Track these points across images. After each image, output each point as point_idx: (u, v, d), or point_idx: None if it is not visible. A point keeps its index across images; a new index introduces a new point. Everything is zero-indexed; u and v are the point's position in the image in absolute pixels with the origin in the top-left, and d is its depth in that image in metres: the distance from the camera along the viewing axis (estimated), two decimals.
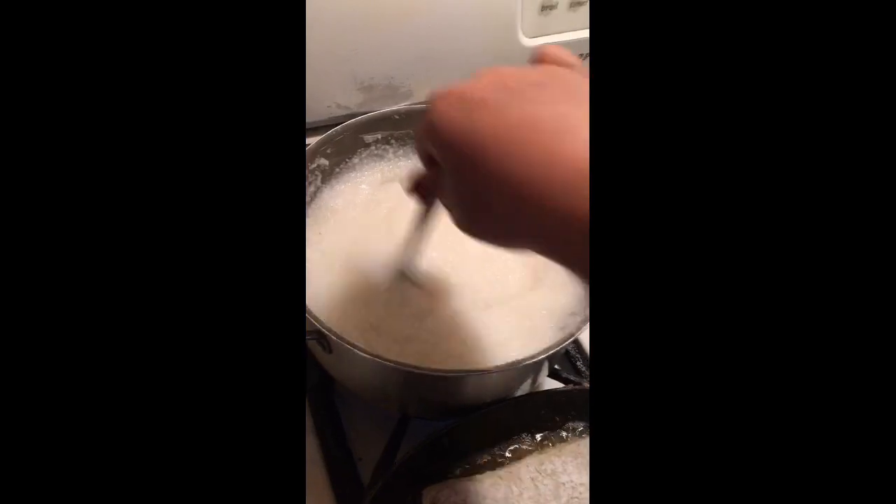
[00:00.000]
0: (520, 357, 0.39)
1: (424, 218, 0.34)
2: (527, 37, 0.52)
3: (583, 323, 0.39)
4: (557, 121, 0.21)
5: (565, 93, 0.22)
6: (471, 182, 0.23)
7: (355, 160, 0.50)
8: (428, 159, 0.26)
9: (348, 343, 0.36)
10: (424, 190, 0.30)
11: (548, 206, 0.20)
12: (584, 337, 0.52)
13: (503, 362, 0.38)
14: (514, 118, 0.21)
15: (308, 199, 0.48)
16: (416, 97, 0.51)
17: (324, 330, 0.37)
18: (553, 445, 0.43)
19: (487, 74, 0.23)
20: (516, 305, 0.45)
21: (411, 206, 0.47)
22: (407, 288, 0.44)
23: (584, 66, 0.25)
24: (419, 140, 0.25)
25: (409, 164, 0.51)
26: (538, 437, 0.43)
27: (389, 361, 0.36)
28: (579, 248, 0.20)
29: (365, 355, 0.36)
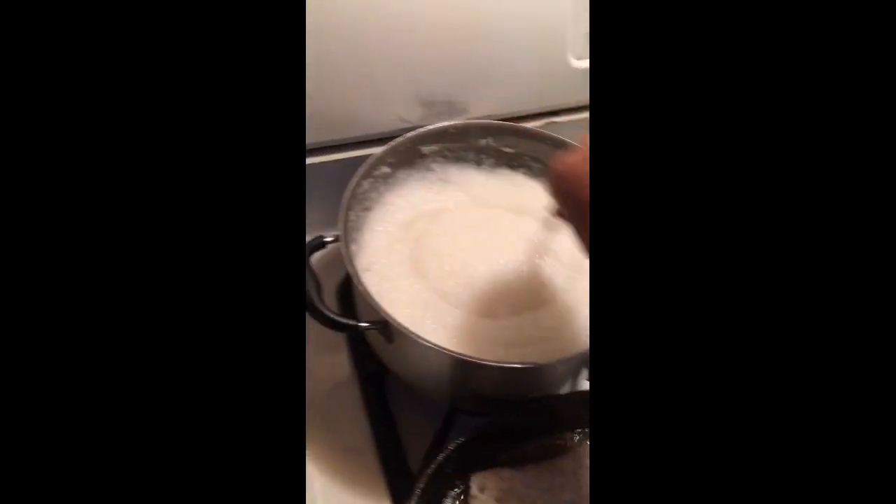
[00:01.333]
0: (568, 355, 0.42)
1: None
2: (575, 59, 0.56)
3: None
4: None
5: None
6: (579, 214, 0.32)
7: (413, 169, 0.54)
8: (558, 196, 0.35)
9: (411, 333, 0.40)
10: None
11: None
12: None
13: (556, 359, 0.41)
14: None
15: (373, 202, 0.52)
16: (472, 113, 0.55)
17: (389, 319, 0.40)
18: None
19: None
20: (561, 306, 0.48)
21: (468, 210, 0.50)
22: (460, 287, 0.47)
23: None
24: (553, 185, 0.35)
25: (460, 173, 0.55)
26: (578, 433, 0.45)
27: (449, 351, 0.39)
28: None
29: (428, 344, 0.39)
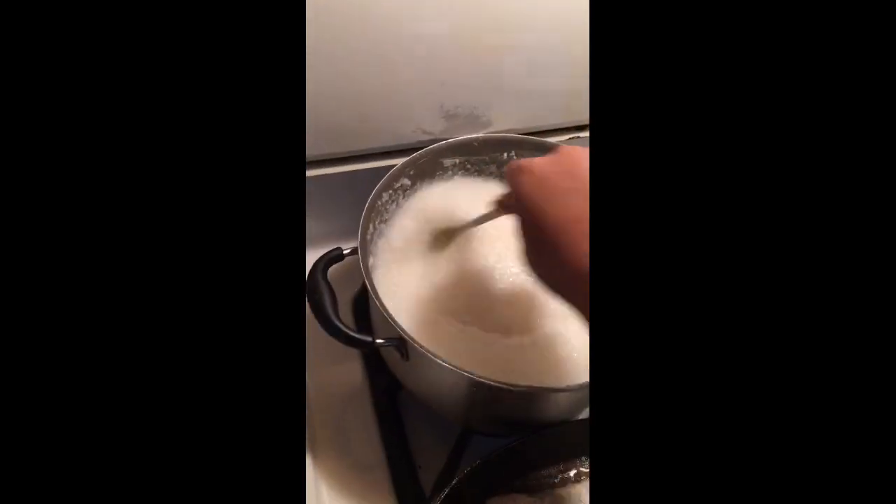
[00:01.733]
0: (585, 380, 0.40)
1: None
2: None
3: None
4: (583, 220, 0.29)
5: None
6: (533, 235, 0.32)
7: (434, 182, 0.53)
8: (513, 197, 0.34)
9: (428, 352, 0.39)
10: (504, 206, 0.40)
11: (562, 261, 0.29)
12: None
13: (572, 383, 0.40)
14: (562, 208, 0.30)
15: (391, 214, 0.51)
16: (495, 126, 0.54)
17: (405, 336, 0.39)
18: None
19: (558, 156, 0.32)
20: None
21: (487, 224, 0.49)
22: (490, 300, 0.46)
23: None
24: (509, 183, 0.34)
25: (482, 186, 0.54)
26: None
27: (466, 372, 0.38)
28: (580, 298, 0.28)
29: (443, 363, 0.38)
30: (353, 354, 0.53)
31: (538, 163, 0.32)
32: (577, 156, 0.32)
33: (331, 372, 0.53)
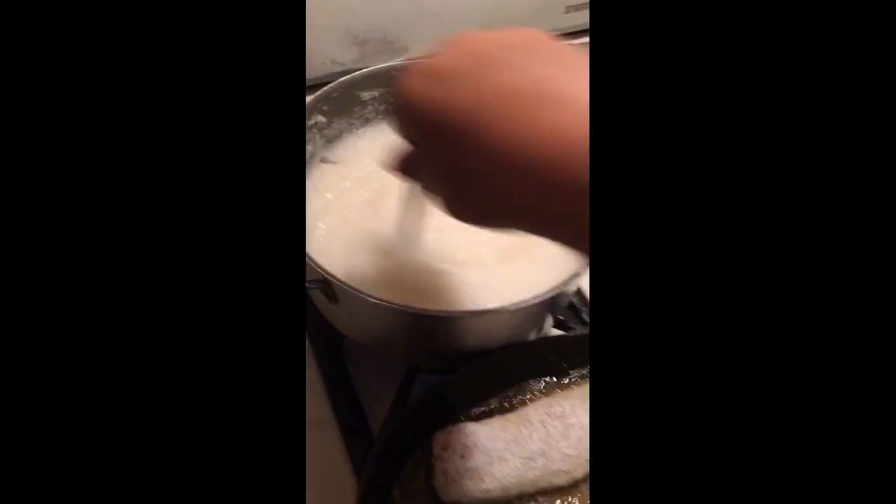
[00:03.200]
0: (530, 299, 0.39)
1: (416, 196, 0.32)
2: None
3: (583, 268, 0.39)
4: (538, 87, 0.19)
5: (544, 54, 0.20)
6: (451, 160, 0.21)
7: (353, 119, 0.50)
8: (409, 139, 0.24)
9: (352, 288, 0.36)
10: (407, 167, 0.27)
11: (532, 183, 0.19)
12: (587, 287, 0.52)
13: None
14: (491, 88, 0.20)
15: (308, 156, 0.48)
16: (412, 52, 0.51)
17: (328, 277, 0.37)
18: (561, 390, 0.43)
19: (459, 42, 0.21)
20: (519, 262, 0.45)
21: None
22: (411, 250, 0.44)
23: None
24: (396, 120, 0.23)
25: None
26: (545, 381, 0.43)
27: (395, 304, 0.36)
28: (572, 226, 0.19)
29: (370, 299, 0.36)
30: None
31: (432, 58, 0.22)
32: (478, 35, 0.22)
33: None
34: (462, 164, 0.21)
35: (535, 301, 0.38)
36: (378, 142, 0.50)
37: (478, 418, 0.40)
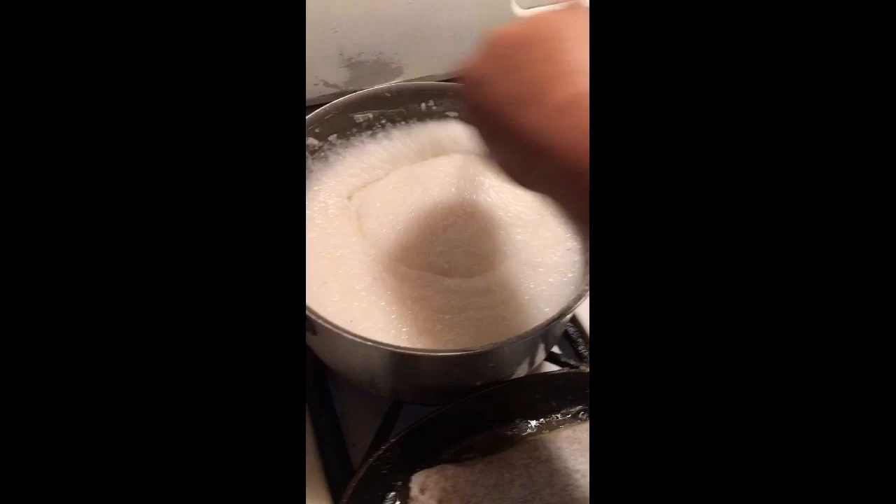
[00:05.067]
0: (509, 337, 0.37)
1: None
2: (521, 7, 0.50)
3: (578, 300, 0.37)
4: (532, 86, 0.24)
5: (545, 50, 0.24)
6: (491, 141, 0.27)
7: (346, 140, 0.49)
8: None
9: (330, 324, 0.35)
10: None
11: (542, 161, 0.23)
12: (585, 317, 0.50)
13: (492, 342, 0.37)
14: (502, 92, 0.25)
15: None
16: (407, 74, 0.50)
17: (308, 312, 0.36)
18: (549, 431, 0.41)
19: (485, 48, 0.27)
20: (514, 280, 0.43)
21: (405, 188, 0.45)
22: (397, 266, 0.43)
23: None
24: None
25: (397, 143, 0.50)
26: (533, 423, 0.41)
27: (371, 342, 0.35)
28: (577, 199, 0.22)
29: (347, 336, 0.35)
30: None
31: (470, 64, 0.27)
32: (498, 36, 0.26)
33: None
34: (497, 144, 0.27)
35: (518, 340, 0.36)
36: (365, 167, 0.49)
37: (460, 458, 0.39)
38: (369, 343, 0.35)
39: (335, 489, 0.42)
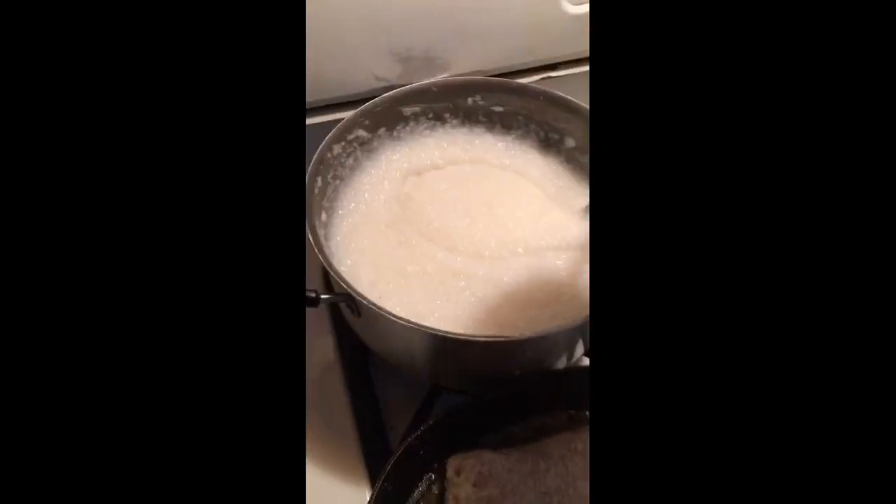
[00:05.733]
0: (552, 328, 0.37)
1: None
2: (570, 3, 0.50)
3: None
4: None
5: None
6: None
7: (395, 133, 0.50)
8: None
9: (374, 305, 0.36)
10: None
11: None
12: None
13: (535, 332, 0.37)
14: None
15: (348, 169, 0.49)
16: (454, 70, 0.51)
17: (352, 292, 0.37)
18: (586, 423, 0.41)
19: None
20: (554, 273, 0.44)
21: (450, 178, 0.46)
22: (444, 255, 0.44)
23: None
24: None
25: (445, 135, 0.51)
26: (570, 413, 0.41)
27: (415, 325, 0.36)
28: None
29: (390, 318, 0.36)
30: (326, 322, 0.52)
31: None
32: None
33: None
34: None
35: (559, 330, 0.37)
36: (412, 158, 0.50)
37: (496, 446, 0.39)
38: (412, 326, 0.36)
39: (373, 470, 0.43)
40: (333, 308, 0.50)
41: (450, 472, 0.37)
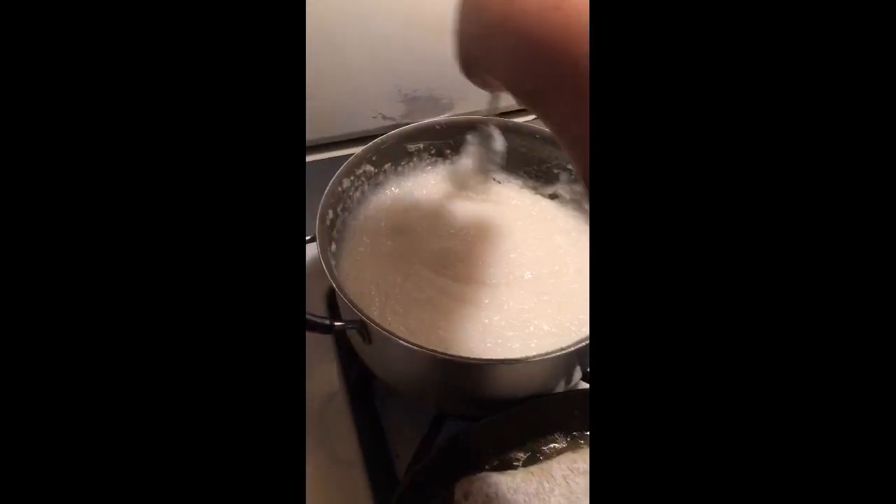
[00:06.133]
0: (559, 350, 0.39)
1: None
2: None
3: None
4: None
5: None
6: (487, 39, 0.28)
7: (399, 168, 0.53)
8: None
9: (386, 331, 0.38)
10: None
11: (538, 62, 0.23)
12: None
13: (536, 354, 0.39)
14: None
15: (356, 202, 0.51)
16: (456, 109, 0.54)
17: (364, 318, 0.39)
18: (587, 444, 0.42)
19: None
20: (554, 297, 0.46)
21: (451, 210, 0.49)
22: (449, 284, 0.46)
23: None
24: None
25: (442, 172, 0.54)
26: (572, 435, 0.43)
27: (426, 349, 0.37)
28: (574, 98, 0.22)
29: (402, 342, 0.37)
30: (331, 353, 0.53)
31: None
32: None
33: (309, 372, 0.52)
34: (496, 45, 0.27)
35: (563, 353, 0.39)
36: (416, 191, 0.53)
37: (501, 468, 0.41)
38: (424, 350, 0.37)
39: (379, 494, 0.44)
40: (338, 337, 0.52)
41: (458, 496, 0.39)
